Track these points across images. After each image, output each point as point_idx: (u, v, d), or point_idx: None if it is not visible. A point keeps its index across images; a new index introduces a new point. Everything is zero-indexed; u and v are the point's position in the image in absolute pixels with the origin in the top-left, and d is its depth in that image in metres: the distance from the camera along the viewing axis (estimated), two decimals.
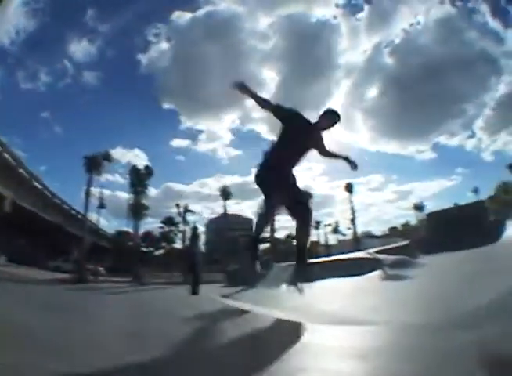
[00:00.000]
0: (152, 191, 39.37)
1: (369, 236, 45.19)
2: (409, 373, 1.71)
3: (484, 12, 40.89)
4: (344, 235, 42.23)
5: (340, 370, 1.83)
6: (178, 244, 36.85)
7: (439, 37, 43.32)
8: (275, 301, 6.93)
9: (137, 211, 30.15)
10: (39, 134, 51.93)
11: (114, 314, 4.54)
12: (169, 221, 38.25)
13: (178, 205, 35.70)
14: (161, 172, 49.60)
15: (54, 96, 45.33)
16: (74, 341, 2.30)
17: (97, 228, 32.01)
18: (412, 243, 14.82)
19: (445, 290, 4.46)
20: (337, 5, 44.90)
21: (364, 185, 62.05)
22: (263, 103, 3.06)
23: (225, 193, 36.53)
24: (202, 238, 41.82)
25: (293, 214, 3.20)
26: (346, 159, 3.38)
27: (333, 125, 3.15)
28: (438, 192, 56.33)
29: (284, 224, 62.32)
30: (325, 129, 3.18)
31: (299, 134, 3.02)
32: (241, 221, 49.96)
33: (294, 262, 3.77)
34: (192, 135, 59.39)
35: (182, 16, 44.90)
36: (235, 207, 49.88)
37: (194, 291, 8.04)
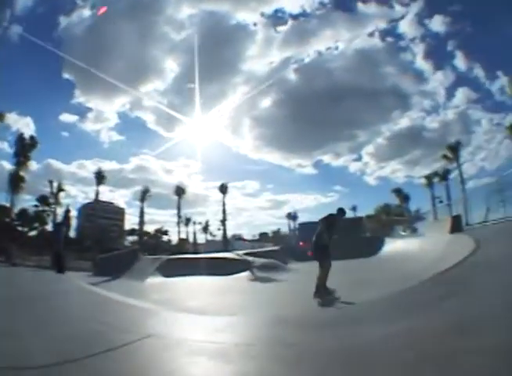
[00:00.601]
0: (33, 165, 34.31)
1: (238, 238, 47.37)
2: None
3: (416, 53, 46.70)
4: (213, 235, 43.59)
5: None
6: (50, 227, 33.51)
7: (353, 65, 46.00)
8: (138, 293, 6.97)
9: (16, 183, 27.33)
10: None
11: None
12: (43, 200, 34.01)
13: (51, 182, 33.06)
14: (45, 147, 44.82)
15: None
16: None
17: None
18: (282, 249, 15.43)
19: (308, 293, 4.89)
20: (262, 14, 46.52)
21: (239, 189, 64.40)
22: None
23: (100, 178, 34.49)
24: (74, 223, 37.95)
25: None
26: None
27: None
28: (313, 206, 56.79)
29: (154, 218, 61.61)
30: None
31: None
32: (113, 209, 47.47)
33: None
34: (82, 111, 51.81)
35: None
36: (109, 194, 47.28)
37: (60, 270, 8.85)
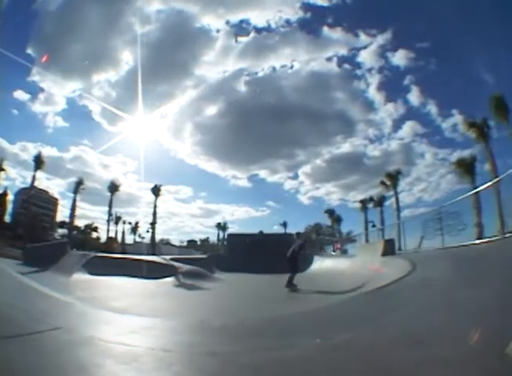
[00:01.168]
0: None
1: (166, 243, 46.75)
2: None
3: (370, 82, 45.83)
4: (142, 237, 42.45)
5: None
6: None
7: (304, 86, 45.11)
8: (61, 286, 6.55)
9: None
10: None
11: None
12: None
13: None
14: None
15: None
16: None
17: None
18: (210, 258, 14.99)
19: (232, 303, 5.07)
20: (227, 22, 46.18)
21: (172, 194, 61.20)
22: None
23: (39, 162, 31.21)
24: (9, 207, 33.58)
25: None
26: None
27: None
28: (244, 218, 55.07)
29: (86, 213, 57.38)
30: None
31: None
32: (47, 199, 44.59)
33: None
34: (34, 91, 46.99)
35: None
36: (46, 182, 42.84)
37: None
